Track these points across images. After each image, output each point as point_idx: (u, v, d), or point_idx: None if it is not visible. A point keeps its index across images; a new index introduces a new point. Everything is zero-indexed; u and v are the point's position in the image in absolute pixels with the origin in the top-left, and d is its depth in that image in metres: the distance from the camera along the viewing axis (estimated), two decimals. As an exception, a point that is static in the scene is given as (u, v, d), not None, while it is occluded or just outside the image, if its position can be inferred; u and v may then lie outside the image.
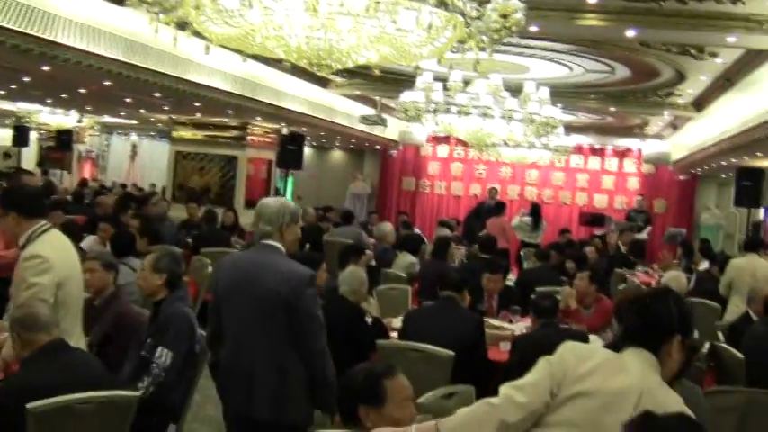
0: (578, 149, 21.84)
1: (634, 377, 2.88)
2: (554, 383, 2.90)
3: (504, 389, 2.96)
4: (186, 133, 17.56)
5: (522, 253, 15.40)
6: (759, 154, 14.42)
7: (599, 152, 22.49)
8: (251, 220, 5.74)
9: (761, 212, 17.83)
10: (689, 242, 16.03)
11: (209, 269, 9.75)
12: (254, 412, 4.44)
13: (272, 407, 4.40)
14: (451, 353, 5.92)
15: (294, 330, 4.43)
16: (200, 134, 17.43)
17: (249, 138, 17.21)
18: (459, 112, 11.09)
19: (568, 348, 3.00)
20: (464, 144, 20.69)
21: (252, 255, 4.79)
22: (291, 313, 4.40)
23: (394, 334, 6.92)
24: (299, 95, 15.02)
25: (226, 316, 4.62)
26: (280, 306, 4.39)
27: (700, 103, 15.00)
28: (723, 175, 20.73)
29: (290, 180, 21.19)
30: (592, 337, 7.06)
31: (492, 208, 18.24)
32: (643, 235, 18.07)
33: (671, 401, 2.85)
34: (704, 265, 13.31)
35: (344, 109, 17.55)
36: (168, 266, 5.36)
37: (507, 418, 2.88)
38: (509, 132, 12.30)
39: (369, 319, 6.77)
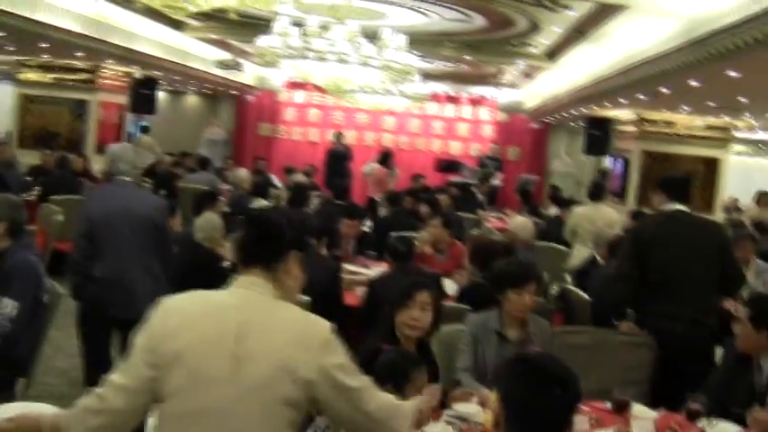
0: (434, 97, 22.02)
1: (233, 312, 2.77)
2: (148, 354, 2.71)
3: (112, 374, 2.78)
4: (33, 75, 16.85)
5: (377, 199, 15.49)
6: (607, 104, 14.85)
7: (455, 100, 22.73)
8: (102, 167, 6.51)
9: (608, 160, 18.41)
10: (527, 190, 16.40)
11: (60, 217, 9.51)
12: (137, 311, 4.48)
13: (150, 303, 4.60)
14: (307, 298, 5.94)
15: (158, 244, 5.88)
16: (48, 76, 16.76)
17: (100, 81, 16.68)
18: (316, 58, 11.01)
19: (156, 309, 2.83)
20: (321, 90, 20.62)
21: (119, 189, 5.95)
22: (157, 232, 5.86)
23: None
24: (152, 38, 14.61)
25: (104, 238, 5.73)
26: (150, 227, 5.81)
27: (553, 54, 15.29)
28: (574, 124, 21.28)
29: (143, 125, 20.75)
30: (446, 280, 7.20)
31: (343, 153, 18.40)
32: (496, 181, 18.44)
33: (285, 321, 2.79)
34: (553, 210, 13.68)
35: (200, 53, 17.18)
36: (7, 214, 5.09)
37: (113, 406, 2.70)
38: (366, 79, 12.32)
39: (226, 264, 6.76)
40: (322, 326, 2.81)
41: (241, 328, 2.69)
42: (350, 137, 22.11)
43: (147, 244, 5.81)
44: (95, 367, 5.47)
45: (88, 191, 11.52)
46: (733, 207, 18.65)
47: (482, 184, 17.37)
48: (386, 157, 17.49)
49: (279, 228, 2.94)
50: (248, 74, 20.57)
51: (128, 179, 5.93)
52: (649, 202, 15.20)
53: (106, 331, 5.87)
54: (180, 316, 2.78)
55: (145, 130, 20.72)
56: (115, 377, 2.73)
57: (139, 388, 2.70)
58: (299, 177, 14.70)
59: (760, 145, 22.87)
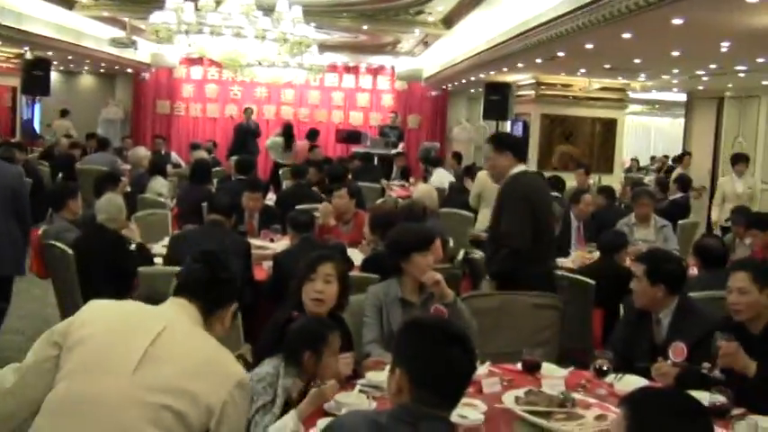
0: (333, 68, 22.00)
1: (159, 318, 2.77)
2: (59, 336, 2.68)
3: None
4: None
5: (280, 172, 15.41)
6: (505, 69, 14.99)
7: (353, 70, 22.70)
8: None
9: (508, 125, 18.61)
10: (431, 156, 16.50)
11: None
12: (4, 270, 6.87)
13: (9, 260, 6.78)
14: (215, 276, 5.87)
15: (17, 209, 6.76)
16: (-67, 61, 16.24)
17: (-11, 63, 16.22)
18: (211, 33, 10.85)
19: (88, 304, 2.85)
20: (218, 65, 20.37)
21: None
22: (16, 199, 6.73)
23: (158, 260, 6.80)
24: (42, 18, 14.22)
25: None
26: (10, 195, 6.67)
27: (449, 21, 15.35)
28: (473, 90, 21.47)
29: (37, 107, 20.24)
30: (352, 250, 7.19)
31: (253, 130, 18.29)
32: (399, 149, 18.47)
33: (207, 345, 2.80)
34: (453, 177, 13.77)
35: (93, 32, 16.79)
36: None
37: (5, 384, 2.68)
38: (263, 52, 12.18)
39: (132, 246, 6.66)
40: (241, 369, 2.82)
41: (163, 333, 2.67)
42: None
43: (7, 209, 6.68)
44: None
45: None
46: (634, 167, 19.10)
47: (398, 155, 17.37)
48: (287, 131, 17.40)
49: (231, 278, 3.02)
50: (143, 51, 20.19)
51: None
52: (547, 164, 15.57)
53: None
54: (103, 311, 2.77)
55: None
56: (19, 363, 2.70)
57: (37, 368, 2.65)
58: (202, 154, 14.52)
59: (655, 105, 23.38)
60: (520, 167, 5.97)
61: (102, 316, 2.74)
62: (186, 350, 2.67)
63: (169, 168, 11.95)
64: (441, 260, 5.01)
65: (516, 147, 6.05)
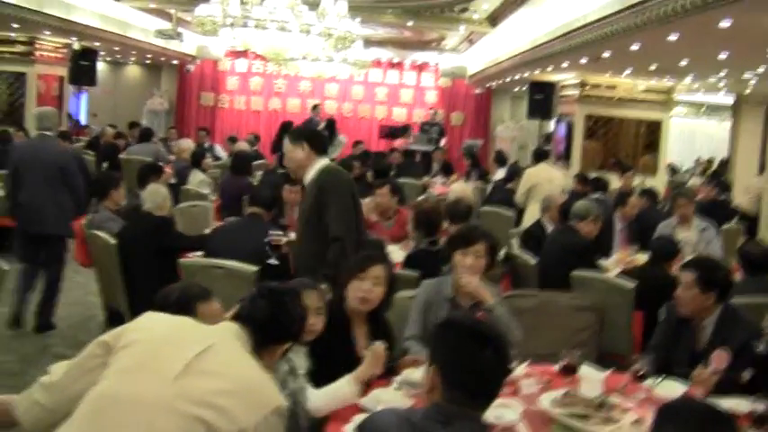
0: (377, 63, 22.00)
1: (208, 334, 2.79)
2: (111, 338, 2.71)
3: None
4: (-32, 49, 16.49)
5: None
6: (550, 68, 14.91)
7: (397, 66, 22.70)
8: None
9: (551, 124, 18.52)
10: (474, 153, 16.46)
11: (1, 192, 9.44)
12: (44, 227, 7.85)
13: (55, 223, 7.81)
14: (254, 268, 5.91)
15: (65, 180, 7.90)
16: (-17, 49, 16.40)
17: (38, 53, 16.33)
18: (256, 26, 10.88)
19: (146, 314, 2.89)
20: (263, 58, 20.44)
21: (37, 141, 8.31)
22: (66, 175, 7.90)
23: (198, 253, 6.85)
24: (90, 8, 14.37)
25: (22, 176, 7.94)
26: (58, 172, 7.88)
27: (494, 19, 15.31)
28: (516, 89, 21.38)
29: (84, 97, 20.44)
30: (393, 247, 7.21)
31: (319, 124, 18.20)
32: (440, 145, 18.41)
33: (252, 369, 2.78)
34: (500, 174, 13.74)
35: (139, 23, 16.95)
36: None
37: (53, 379, 2.73)
38: (307, 47, 12.22)
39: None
40: (279, 397, 2.78)
41: (211, 348, 2.67)
42: (293, 105, 22.03)
43: (54, 180, 7.85)
44: (27, 275, 8.00)
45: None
46: (669, 172, 18.92)
47: (436, 150, 17.35)
48: (330, 125, 17.43)
49: (293, 320, 3.05)
50: (189, 43, 20.33)
51: (47, 133, 8.15)
52: (594, 164, 15.45)
53: (33, 243, 8.02)
54: (157, 320, 2.83)
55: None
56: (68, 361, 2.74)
57: (83, 365, 2.68)
58: (242, 146, 14.59)
59: (701, 107, 23.14)
60: (322, 161, 5.72)
61: (155, 324, 2.78)
62: (231, 370, 2.67)
63: (211, 161, 11.99)
64: (485, 268, 4.87)
65: (312, 139, 5.72)
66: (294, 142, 5.67)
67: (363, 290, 4.27)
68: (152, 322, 2.80)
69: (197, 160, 11.22)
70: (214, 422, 2.51)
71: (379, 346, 3.76)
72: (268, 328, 2.94)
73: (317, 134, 6.03)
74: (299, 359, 3.78)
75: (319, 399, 3.60)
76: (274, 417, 2.68)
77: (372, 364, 3.71)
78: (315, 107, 19.29)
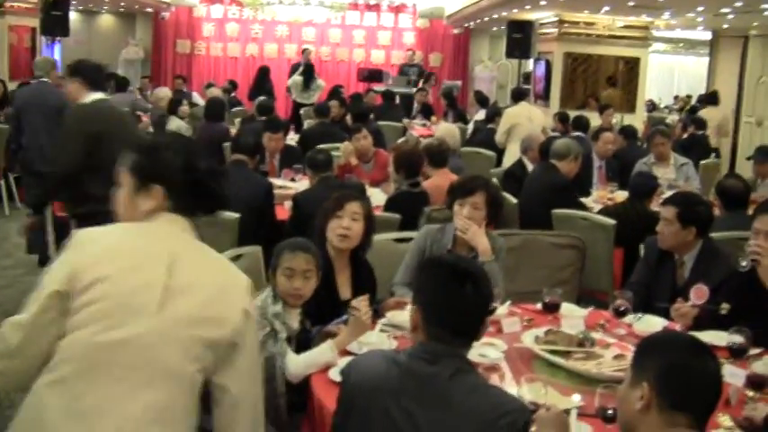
0: (354, 6, 21.82)
1: (162, 242, 2.58)
2: (63, 284, 2.44)
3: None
4: (-66, 1, 16.21)
5: (301, 112, 15.38)
6: (528, 7, 14.83)
7: (374, 8, 22.48)
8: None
9: (530, 63, 18.47)
10: (450, 94, 16.42)
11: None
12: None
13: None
14: (236, 215, 5.91)
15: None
16: (-50, 2, 16.13)
17: (8, 4, 16.08)
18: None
19: (71, 243, 2.55)
20: (239, 3, 20.26)
21: (36, 85, 8.99)
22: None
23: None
24: (60, -45, 14.15)
25: (26, 120, 8.41)
26: (56, 114, 7.54)
27: (471, -43, 15.21)
28: (495, 29, 21.26)
29: (57, 47, 20.19)
30: (373, 190, 7.22)
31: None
32: (420, 86, 18.37)
33: (215, 261, 2.69)
34: (480, 115, 13.73)
35: (111, -31, 16.74)
36: None
37: (9, 343, 2.45)
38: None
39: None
40: (244, 275, 2.69)
41: (173, 259, 2.53)
42: (270, 50, 21.85)
43: (53, 129, 7.91)
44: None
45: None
46: (650, 108, 18.96)
47: (418, 92, 17.28)
48: (307, 69, 17.33)
49: (213, 169, 2.78)
50: (164, -11, 20.09)
51: (43, 79, 8.90)
52: (570, 102, 15.44)
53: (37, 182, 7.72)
54: (101, 245, 2.57)
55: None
56: (17, 316, 2.49)
57: (40, 321, 2.45)
58: (215, 92, 14.51)
59: (679, 43, 23.11)
60: (94, 95, 5.65)
61: (108, 253, 2.54)
62: (202, 278, 2.58)
63: (188, 108, 11.90)
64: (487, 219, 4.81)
65: (87, 73, 5.68)
66: (69, 76, 5.80)
67: (343, 226, 4.28)
68: (102, 250, 2.54)
69: (174, 108, 11.16)
70: (209, 335, 2.49)
71: (365, 314, 3.72)
72: (192, 188, 2.67)
73: (91, 67, 5.81)
74: (293, 322, 3.80)
75: (299, 365, 3.58)
76: (249, 296, 2.64)
77: (355, 332, 3.70)
78: (305, 51, 19.14)
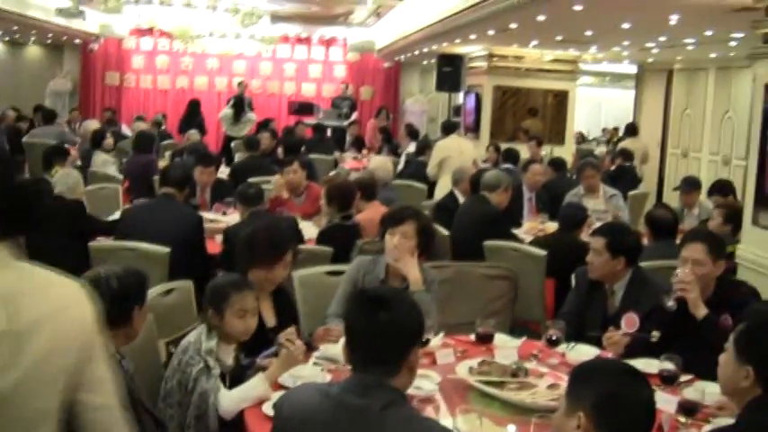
0: (285, 39, 21.79)
1: None
2: None
3: None
4: None
5: (232, 145, 15.32)
6: (458, 41, 14.96)
7: (305, 41, 22.49)
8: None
9: (460, 96, 18.63)
10: (387, 128, 16.53)
11: None
12: None
13: None
14: (167, 249, 5.85)
15: None
16: None
17: (-68, 34, 15.85)
18: (161, 3, 10.72)
19: None
20: (169, 36, 20.12)
21: None
22: None
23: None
24: (-15, -14, 13.95)
25: None
26: None
27: (401, -9, 15.32)
28: (426, 62, 21.41)
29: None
30: (305, 223, 7.20)
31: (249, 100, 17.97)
32: (352, 119, 18.45)
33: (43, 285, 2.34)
34: (411, 148, 13.80)
35: (39, 1, 16.50)
36: None
37: None
38: (214, 23, 12.09)
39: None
40: (78, 286, 2.40)
41: (7, 301, 2.20)
42: (200, 83, 21.75)
43: None
44: None
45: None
46: (579, 140, 19.25)
47: (351, 125, 17.39)
48: (237, 102, 17.30)
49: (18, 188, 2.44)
50: (92, 21, 19.86)
51: None
52: (500, 135, 15.60)
53: None
54: None
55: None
56: None
57: None
58: (140, 126, 14.41)
59: (606, 77, 23.51)
60: None
61: None
62: (42, 305, 2.25)
63: (112, 141, 11.77)
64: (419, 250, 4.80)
65: None
66: None
67: (278, 276, 4.38)
68: None
69: (97, 141, 11.03)
70: (66, 361, 2.24)
71: (297, 348, 3.74)
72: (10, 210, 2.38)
73: None
74: (227, 357, 3.76)
75: (231, 400, 3.56)
76: (89, 302, 2.34)
77: (285, 365, 3.69)
78: (240, 84, 19.09)
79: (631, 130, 15.73)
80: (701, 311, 4.15)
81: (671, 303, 4.21)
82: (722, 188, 8.63)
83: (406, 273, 4.62)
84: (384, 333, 2.68)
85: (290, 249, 4.43)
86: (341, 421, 2.62)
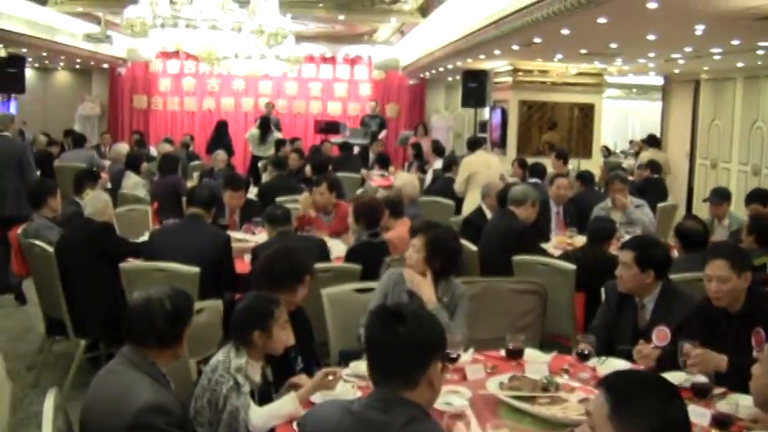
0: (310, 59, 21.91)
1: None
2: None
3: None
4: None
5: (259, 165, 15.40)
6: (482, 57, 14.98)
7: (330, 60, 22.61)
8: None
9: (486, 111, 18.63)
10: (417, 144, 16.55)
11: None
12: (6, 211, 9.00)
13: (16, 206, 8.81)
14: (197, 269, 5.87)
15: (21, 170, 9.35)
16: None
17: (-39, 62, 16.03)
18: (186, 26, 10.77)
19: None
20: (195, 58, 20.27)
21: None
22: (21, 163, 9.38)
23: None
24: (14, 14, 14.11)
25: None
26: (16, 163, 9.35)
27: (425, 9, 15.34)
28: (450, 78, 21.43)
29: (12, 105, 20.09)
30: (334, 241, 7.22)
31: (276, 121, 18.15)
32: (379, 137, 18.48)
33: None
34: (438, 164, 13.80)
35: (67, 27, 16.68)
36: None
37: None
38: (239, 45, 12.14)
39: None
40: None
41: None
42: (227, 104, 21.91)
43: (12, 170, 9.30)
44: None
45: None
46: (604, 154, 19.20)
47: (372, 143, 17.46)
48: (263, 123, 17.39)
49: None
50: (119, 46, 20.05)
51: (6, 133, 9.63)
52: (530, 149, 15.60)
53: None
54: None
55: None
56: None
57: None
58: (166, 147, 14.52)
59: (632, 89, 23.43)
60: None
61: None
62: None
63: (146, 165, 11.92)
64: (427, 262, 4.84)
65: None
66: None
67: (300, 298, 4.43)
68: None
69: (134, 163, 11.13)
70: None
71: (334, 379, 3.78)
72: None
73: None
74: (255, 375, 3.79)
75: (262, 417, 3.59)
76: None
77: (317, 387, 3.74)
78: (267, 104, 19.19)
79: (652, 141, 15.67)
80: (723, 366, 4.05)
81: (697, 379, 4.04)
82: (761, 196, 8.46)
83: (420, 293, 4.67)
84: (402, 346, 2.69)
85: (310, 273, 4.45)
86: None
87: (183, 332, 3.41)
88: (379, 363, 2.74)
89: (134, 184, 10.50)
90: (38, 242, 6.61)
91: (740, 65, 13.58)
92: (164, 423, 3.07)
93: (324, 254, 6.45)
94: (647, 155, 14.78)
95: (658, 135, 17.22)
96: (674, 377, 3.80)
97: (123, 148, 12.63)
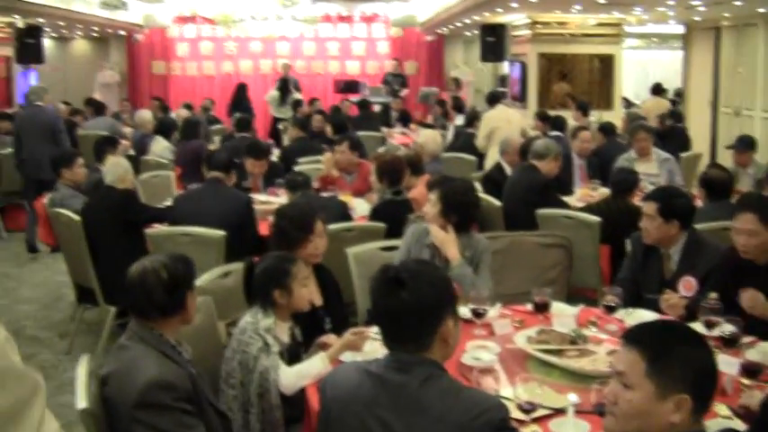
0: (326, 18, 21.80)
1: None
2: None
3: None
4: None
5: (279, 127, 15.40)
6: (500, 10, 14.87)
7: (347, 19, 22.48)
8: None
9: (505, 66, 18.52)
10: (442, 100, 16.50)
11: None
12: (42, 174, 9.24)
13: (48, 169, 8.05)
14: (222, 233, 5.91)
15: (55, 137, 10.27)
16: (-74, 32, 16.09)
17: (-19, 35, 16.06)
18: (202, -11, 10.78)
19: None
20: (211, 22, 20.24)
21: (32, 109, 10.71)
22: (55, 130, 10.37)
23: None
24: (30, -16, 14.10)
25: (24, 136, 10.26)
26: (50, 131, 10.32)
27: (440, -37, 15.24)
28: (468, 33, 21.30)
29: (33, 75, 20.13)
30: (357, 200, 7.23)
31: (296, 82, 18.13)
32: (401, 95, 18.45)
33: None
34: (459, 120, 13.77)
35: (82, -5, 16.70)
36: None
37: None
38: (255, 6, 12.12)
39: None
40: None
41: None
42: (245, 67, 21.86)
43: (47, 138, 10.19)
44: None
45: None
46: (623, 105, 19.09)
47: (395, 100, 17.44)
48: (282, 84, 17.36)
49: None
50: (134, 12, 20.04)
51: (39, 103, 10.69)
52: (550, 103, 15.51)
53: (35, 188, 9.45)
54: None
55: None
56: None
57: None
58: (183, 113, 14.56)
59: (652, 38, 23.21)
60: None
61: None
62: None
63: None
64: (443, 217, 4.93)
65: None
66: None
67: (317, 247, 4.44)
68: None
69: (164, 129, 11.20)
70: None
71: (362, 338, 3.80)
72: None
73: None
74: (283, 335, 3.82)
75: (291, 377, 3.63)
76: None
77: (345, 347, 3.77)
78: (285, 66, 19.15)
79: (656, 89, 15.61)
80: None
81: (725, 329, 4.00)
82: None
83: (445, 251, 4.71)
84: (406, 313, 2.67)
85: (318, 219, 4.45)
86: (381, 398, 2.65)
87: (184, 298, 3.37)
88: (388, 329, 2.73)
89: (163, 149, 10.56)
90: (64, 211, 6.66)
91: (761, 10, 13.39)
92: (170, 399, 3.04)
93: (344, 215, 6.46)
94: (651, 103, 14.71)
95: (680, 84, 17.07)
96: (701, 327, 3.81)
97: (147, 114, 12.64)
